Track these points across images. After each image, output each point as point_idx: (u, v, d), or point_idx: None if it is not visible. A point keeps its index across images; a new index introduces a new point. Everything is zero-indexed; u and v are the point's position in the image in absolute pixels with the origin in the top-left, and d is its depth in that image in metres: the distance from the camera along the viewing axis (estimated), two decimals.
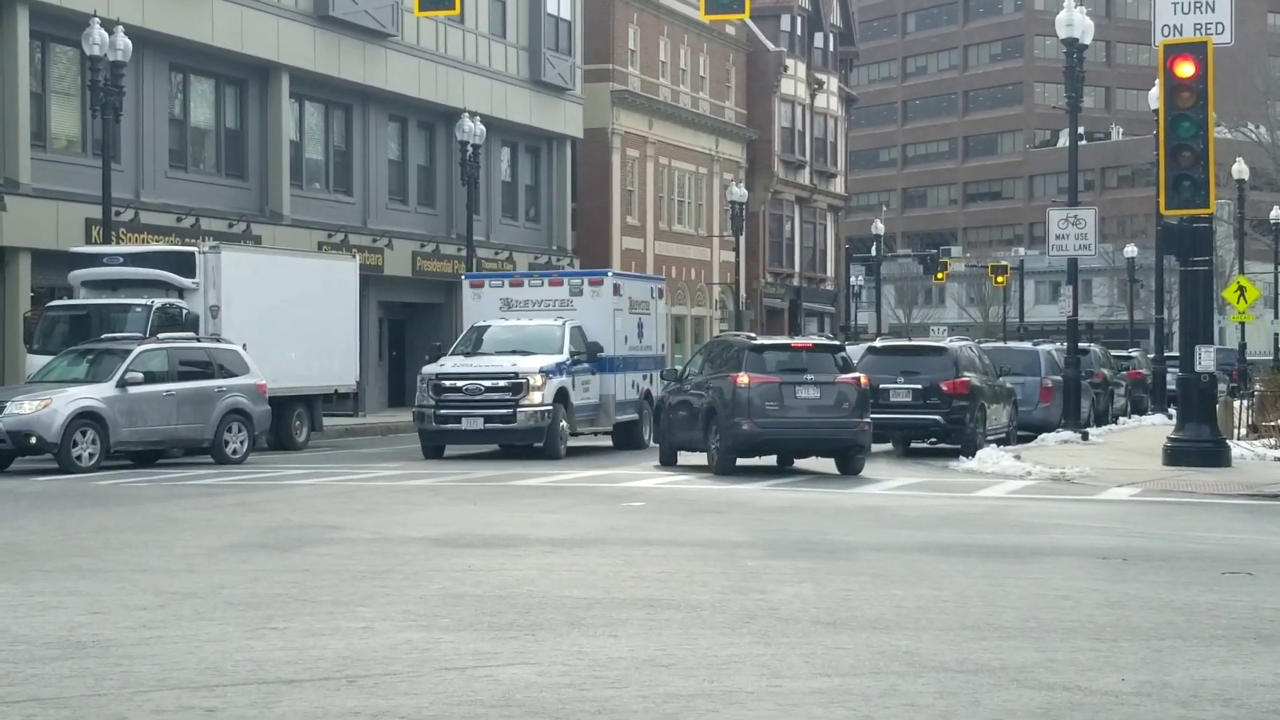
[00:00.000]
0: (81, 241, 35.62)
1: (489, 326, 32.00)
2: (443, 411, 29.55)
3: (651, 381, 34.18)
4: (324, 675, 8.95)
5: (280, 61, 44.88)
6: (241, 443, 28.91)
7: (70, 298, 31.90)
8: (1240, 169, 59.71)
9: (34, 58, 37.78)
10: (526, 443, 29.88)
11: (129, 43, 34.65)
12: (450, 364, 30.52)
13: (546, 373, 29.53)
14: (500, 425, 29.42)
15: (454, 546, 15.39)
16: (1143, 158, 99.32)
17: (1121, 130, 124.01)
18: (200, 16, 41.78)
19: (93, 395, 26.66)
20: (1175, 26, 24.87)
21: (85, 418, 26.34)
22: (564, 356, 30.44)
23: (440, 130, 52.83)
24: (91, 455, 26.29)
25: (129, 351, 27.69)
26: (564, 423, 30.02)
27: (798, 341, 28.66)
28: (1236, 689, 8.61)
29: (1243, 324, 51.63)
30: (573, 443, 31.26)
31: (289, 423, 32.35)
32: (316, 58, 46.20)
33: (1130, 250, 77.49)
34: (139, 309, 30.03)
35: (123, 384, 26.95)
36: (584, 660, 9.39)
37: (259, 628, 10.54)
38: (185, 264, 31.39)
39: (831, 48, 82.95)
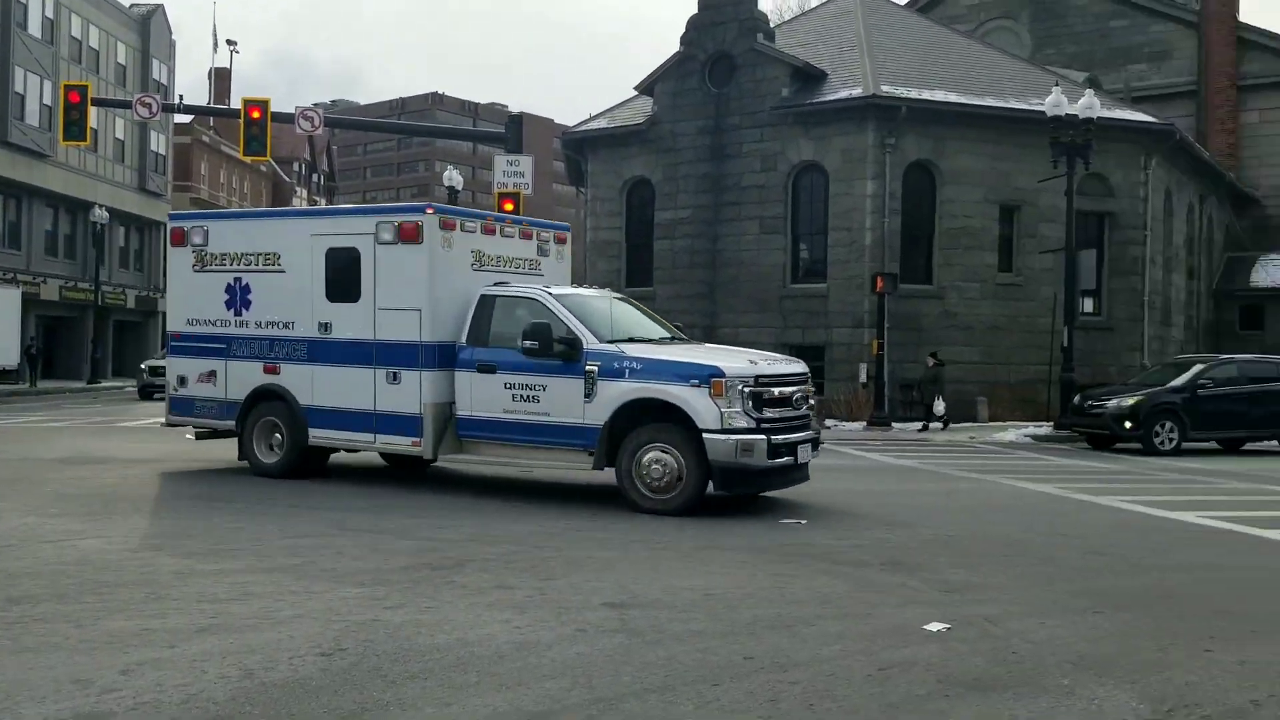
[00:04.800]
0: None
1: (611, 301, 10.70)
2: (777, 439, 9.14)
3: None
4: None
5: None
6: None
7: None
8: None
9: None
10: (804, 480, 10.05)
11: None
12: (761, 360, 9.62)
13: None
14: (810, 456, 9.78)
15: None
16: None
17: None
18: None
19: None
20: (504, 182, 24.64)
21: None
22: None
23: None
24: None
25: None
26: None
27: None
28: None
29: None
30: None
31: None
32: None
33: None
34: None
35: None
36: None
37: None
38: None
39: (322, 182, 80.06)
